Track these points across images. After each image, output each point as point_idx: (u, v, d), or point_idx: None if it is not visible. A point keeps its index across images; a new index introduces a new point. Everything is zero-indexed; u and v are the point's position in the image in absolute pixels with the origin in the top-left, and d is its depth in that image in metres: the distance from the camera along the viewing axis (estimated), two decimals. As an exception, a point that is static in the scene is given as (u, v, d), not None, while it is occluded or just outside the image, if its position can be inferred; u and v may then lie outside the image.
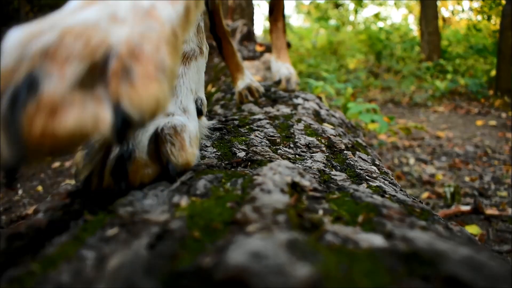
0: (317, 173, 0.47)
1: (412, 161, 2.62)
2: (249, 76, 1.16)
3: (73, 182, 0.42)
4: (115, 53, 0.24)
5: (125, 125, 0.23)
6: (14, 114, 0.21)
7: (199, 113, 0.54)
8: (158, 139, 0.40)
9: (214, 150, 0.58)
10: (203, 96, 0.57)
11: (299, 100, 1.15)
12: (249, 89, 1.10)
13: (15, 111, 0.21)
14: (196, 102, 0.54)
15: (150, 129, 0.41)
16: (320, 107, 1.05)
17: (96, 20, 0.26)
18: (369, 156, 0.67)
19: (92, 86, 0.24)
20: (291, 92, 1.07)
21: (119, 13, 0.26)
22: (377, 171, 0.57)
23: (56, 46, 0.23)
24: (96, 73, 0.24)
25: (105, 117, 0.23)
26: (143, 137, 0.40)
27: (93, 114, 0.22)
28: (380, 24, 10.72)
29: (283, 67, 1.11)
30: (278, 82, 1.07)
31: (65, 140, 0.22)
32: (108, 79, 0.24)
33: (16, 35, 0.24)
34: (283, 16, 1.30)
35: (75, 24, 0.25)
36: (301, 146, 0.64)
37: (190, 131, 0.44)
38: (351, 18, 11.95)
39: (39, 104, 0.21)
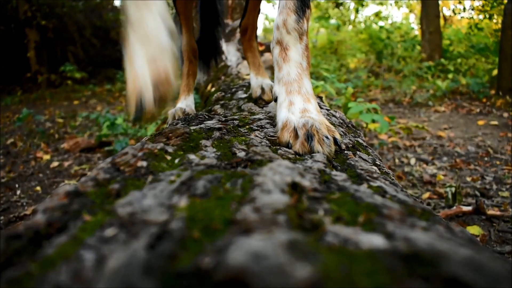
0: (318, 173, 0.46)
1: (413, 161, 2.61)
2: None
3: (72, 182, 0.42)
4: None
5: None
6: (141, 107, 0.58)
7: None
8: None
9: (214, 150, 0.58)
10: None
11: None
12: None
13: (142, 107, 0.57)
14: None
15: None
16: (321, 107, 1.04)
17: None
18: (370, 156, 0.67)
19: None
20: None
21: None
22: (377, 171, 0.57)
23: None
24: None
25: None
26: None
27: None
28: (381, 23, 10.72)
29: (264, 81, 1.15)
30: (259, 98, 1.09)
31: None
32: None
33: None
34: (256, 36, 1.33)
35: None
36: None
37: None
38: (352, 17, 11.94)
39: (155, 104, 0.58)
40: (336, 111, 1.12)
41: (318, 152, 0.60)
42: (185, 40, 1.31)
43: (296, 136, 0.64)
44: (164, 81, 0.54)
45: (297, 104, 0.70)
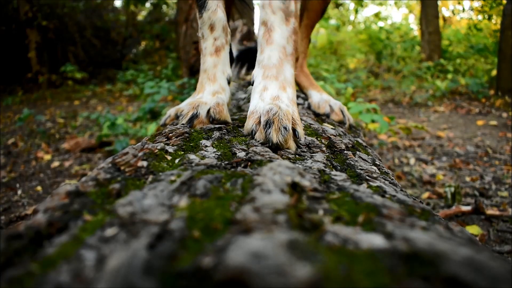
0: (317, 173, 0.47)
1: (412, 161, 2.61)
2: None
3: (72, 182, 0.42)
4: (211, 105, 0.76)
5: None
6: (196, 115, 0.75)
7: (228, 83, 0.87)
8: (210, 108, 0.74)
9: (214, 150, 0.58)
10: (229, 70, 0.88)
11: (299, 100, 1.15)
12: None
13: (196, 115, 0.74)
14: (227, 79, 0.86)
15: (208, 104, 0.76)
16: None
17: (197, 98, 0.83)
18: (370, 156, 0.67)
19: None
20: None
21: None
22: (377, 171, 0.57)
23: (196, 102, 0.78)
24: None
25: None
26: (205, 108, 0.75)
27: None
28: (381, 23, 10.72)
29: (331, 100, 1.06)
30: (325, 115, 1.00)
31: None
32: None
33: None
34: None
35: (194, 101, 0.80)
36: (301, 146, 0.63)
37: (226, 103, 0.81)
38: (352, 17, 11.95)
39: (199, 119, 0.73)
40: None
41: (271, 140, 0.57)
42: None
43: (259, 123, 0.62)
44: (219, 108, 0.75)
45: (271, 90, 0.68)
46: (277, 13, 0.73)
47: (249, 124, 0.63)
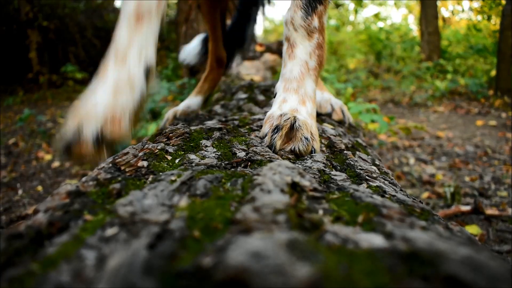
0: (317, 173, 0.47)
1: (412, 161, 2.62)
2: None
3: (73, 181, 0.42)
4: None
5: None
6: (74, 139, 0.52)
7: (148, 74, 0.58)
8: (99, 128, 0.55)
9: (214, 150, 0.58)
10: (152, 55, 0.59)
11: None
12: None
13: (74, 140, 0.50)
14: (145, 68, 0.59)
15: (98, 119, 0.50)
16: (320, 107, 1.04)
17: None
18: (369, 156, 0.67)
19: None
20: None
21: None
22: (377, 171, 0.57)
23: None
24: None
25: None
26: (89, 128, 0.51)
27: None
28: (380, 24, 10.73)
29: (332, 98, 1.02)
30: (327, 115, 0.98)
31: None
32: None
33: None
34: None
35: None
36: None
37: (132, 109, 0.56)
38: (351, 18, 11.96)
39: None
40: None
41: (274, 144, 0.57)
42: (210, 48, 1.35)
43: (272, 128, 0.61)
44: (116, 121, 0.45)
45: (290, 103, 0.67)
46: (298, 30, 0.72)
47: (265, 128, 0.63)
